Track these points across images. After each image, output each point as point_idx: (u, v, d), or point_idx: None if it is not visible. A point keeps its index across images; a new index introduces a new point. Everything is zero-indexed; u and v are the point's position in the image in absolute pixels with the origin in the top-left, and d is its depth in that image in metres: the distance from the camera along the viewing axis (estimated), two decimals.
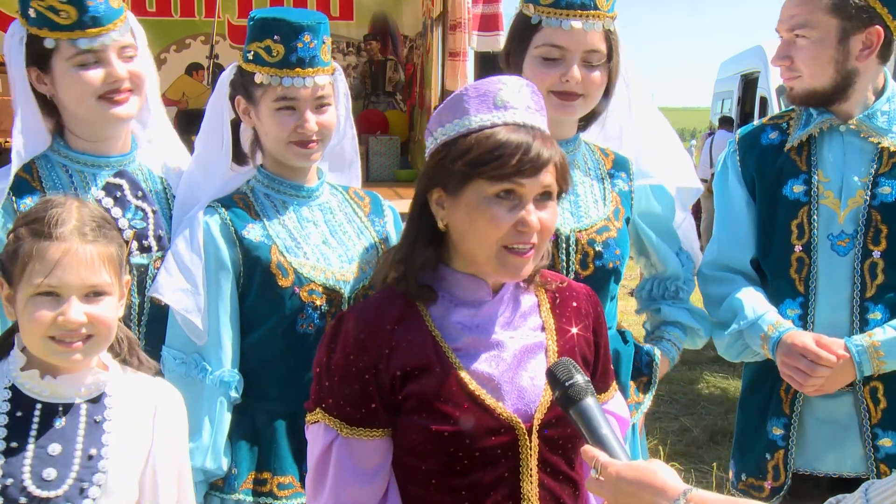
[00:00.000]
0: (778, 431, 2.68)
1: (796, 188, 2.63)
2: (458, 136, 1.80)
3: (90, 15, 2.29)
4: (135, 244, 1.95)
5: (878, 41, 2.51)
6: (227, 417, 2.34)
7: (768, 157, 2.69)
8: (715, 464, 5.42)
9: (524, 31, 2.47)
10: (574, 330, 1.93)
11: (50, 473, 1.80)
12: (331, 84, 2.43)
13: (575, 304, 1.97)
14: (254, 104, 2.40)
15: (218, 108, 2.50)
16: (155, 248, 1.96)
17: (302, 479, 2.34)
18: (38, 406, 1.84)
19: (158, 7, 8.98)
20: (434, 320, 1.84)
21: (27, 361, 1.85)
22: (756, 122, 2.91)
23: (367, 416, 1.81)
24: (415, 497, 1.84)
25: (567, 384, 1.70)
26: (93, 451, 1.85)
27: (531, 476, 1.81)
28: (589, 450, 1.67)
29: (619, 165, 2.64)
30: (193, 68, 9.48)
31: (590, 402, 1.70)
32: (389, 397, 1.81)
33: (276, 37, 2.32)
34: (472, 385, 1.80)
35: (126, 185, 1.94)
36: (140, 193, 1.96)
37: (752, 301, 2.63)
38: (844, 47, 2.50)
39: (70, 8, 2.28)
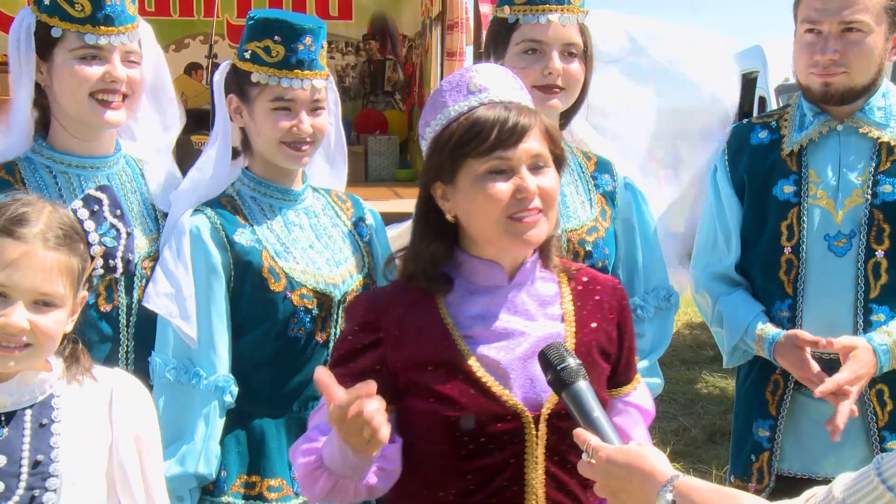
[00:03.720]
0: (763, 433, 2.67)
1: (787, 189, 2.62)
2: (441, 128, 1.87)
3: (104, 13, 2.30)
4: (100, 262, 1.92)
5: None
6: (220, 423, 2.32)
7: (758, 157, 2.68)
8: (714, 463, 5.42)
9: (502, 32, 2.51)
10: (594, 324, 1.95)
11: None
12: (325, 88, 2.43)
13: (598, 297, 1.99)
14: (247, 103, 2.39)
15: (221, 108, 2.48)
16: (120, 269, 1.94)
17: (292, 482, 2.34)
18: None
19: (157, 6, 8.98)
20: (448, 307, 1.89)
21: None
22: (745, 120, 2.90)
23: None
24: (425, 478, 1.87)
25: (559, 367, 1.72)
26: (39, 458, 1.78)
27: (536, 463, 1.84)
28: (581, 433, 1.68)
29: (602, 167, 2.67)
30: (192, 68, 9.46)
31: (582, 385, 1.71)
32: (394, 379, 1.84)
33: (276, 37, 2.33)
34: (480, 372, 1.83)
35: (106, 201, 1.92)
36: (119, 212, 1.94)
37: (734, 311, 2.65)
38: (887, 45, 2.54)
39: (86, 2, 2.29)
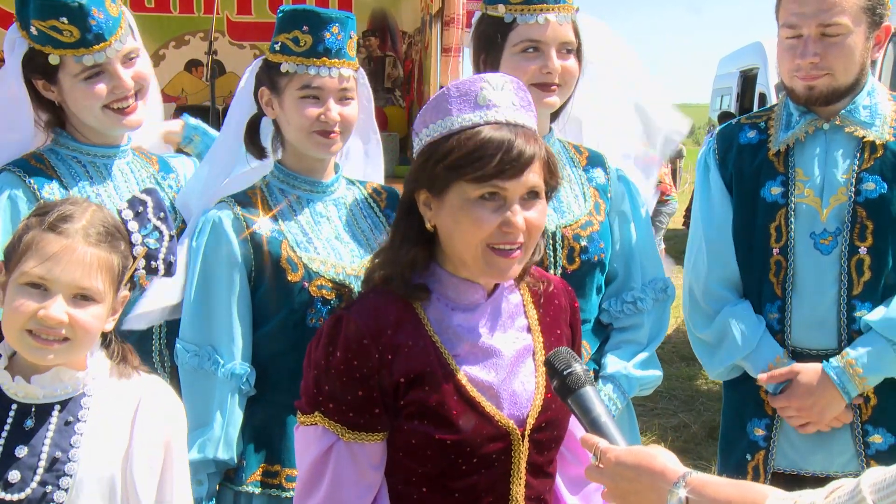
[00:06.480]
0: (760, 432, 2.67)
1: (774, 190, 2.62)
2: (441, 137, 1.77)
3: (93, 33, 2.33)
4: (142, 262, 1.96)
5: (887, 38, 2.56)
6: (240, 410, 2.37)
7: (746, 158, 2.68)
8: (713, 460, 5.43)
9: (497, 31, 2.51)
10: (558, 331, 1.96)
11: (14, 476, 1.77)
12: (354, 79, 2.47)
13: (557, 301, 1.98)
14: (278, 94, 2.43)
15: (239, 104, 2.54)
16: (162, 270, 1.99)
17: None
18: (14, 407, 1.80)
19: (157, 3, 8.96)
20: (432, 324, 1.83)
21: (9, 360, 1.83)
22: (734, 120, 2.90)
23: (369, 421, 1.79)
24: (407, 497, 1.84)
25: (565, 373, 1.71)
26: (57, 454, 1.80)
27: (520, 478, 1.85)
28: (588, 437, 1.67)
29: (594, 161, 2.68)
30: (192, 65, 9.46)
31: (588, 390, 1.70)
32: (392, 402, 1.79)
33: (304, 27, 2.38)
34: (473, 392, 1.80)
35: (151, 203, 1.98)
36: (162, 215, 1.99)
37: (749, 340, 2.64)
38: (868, 44, 2.53)
39: (72, 28, 2.31)
